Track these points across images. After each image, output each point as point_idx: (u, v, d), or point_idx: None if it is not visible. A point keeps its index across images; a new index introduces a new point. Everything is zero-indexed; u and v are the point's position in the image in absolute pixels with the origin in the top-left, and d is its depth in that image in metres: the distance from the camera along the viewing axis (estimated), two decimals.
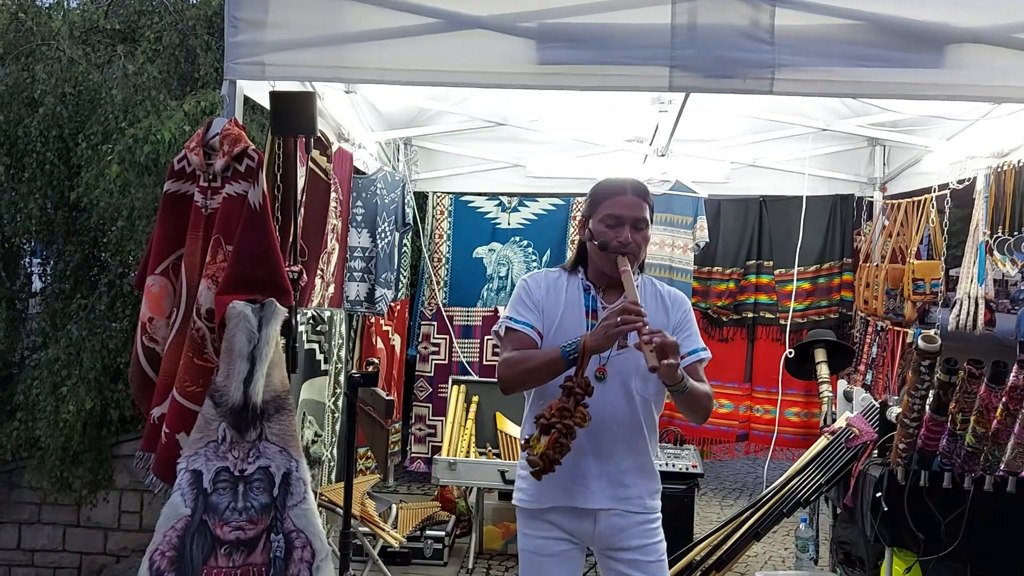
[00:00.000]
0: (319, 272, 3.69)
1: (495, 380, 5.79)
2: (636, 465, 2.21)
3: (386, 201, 4.73)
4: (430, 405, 5.81)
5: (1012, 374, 2.82)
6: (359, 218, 4.61)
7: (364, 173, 4.69)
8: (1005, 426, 2.88)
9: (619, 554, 2.21)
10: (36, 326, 6.44)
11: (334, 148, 3.84)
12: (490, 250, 5.85)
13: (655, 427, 2.27)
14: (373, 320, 5.18)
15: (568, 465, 2.06)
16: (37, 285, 6.90)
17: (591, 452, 2.13)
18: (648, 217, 2.23)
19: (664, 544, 2.26)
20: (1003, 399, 2.84)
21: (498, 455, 4.73)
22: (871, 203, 5.62)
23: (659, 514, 2.26)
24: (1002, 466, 2.96)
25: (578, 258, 2.33)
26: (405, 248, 5.51)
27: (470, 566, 4.47)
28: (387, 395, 2.98)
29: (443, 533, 4.55)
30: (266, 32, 2.68)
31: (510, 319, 2.23)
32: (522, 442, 2.08)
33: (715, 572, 3.79)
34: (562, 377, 2.06)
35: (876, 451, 3.40)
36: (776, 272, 5.78)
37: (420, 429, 5.82)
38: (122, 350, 5.69)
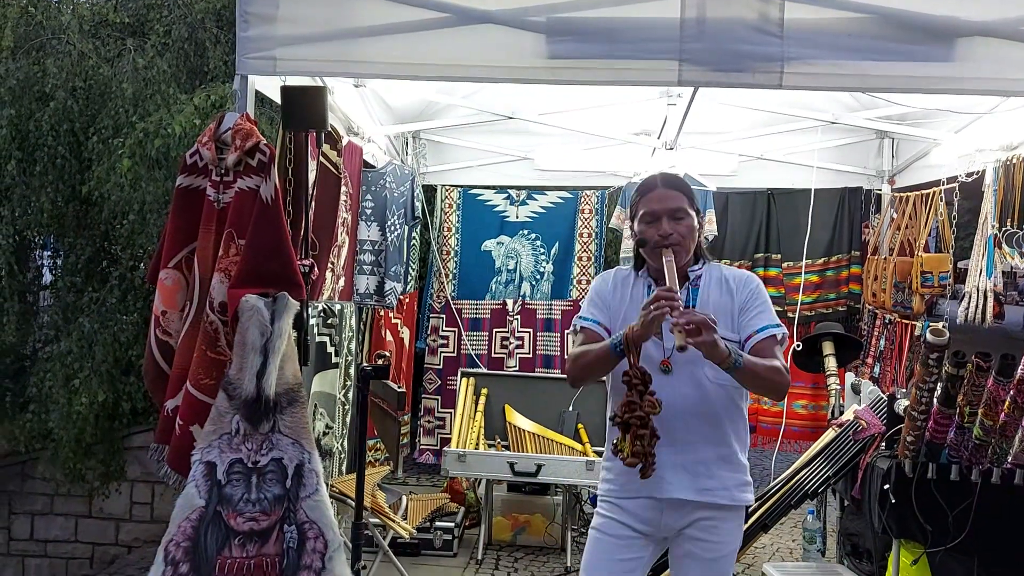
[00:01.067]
0: (330, 265, 3.71)
1: (504, 373, 5.82)
2: (717, 456, 2.19)
3: (395, 194, 4.75)
4: (439, 397, 5.84)
5: (1020, 367, 2.83)
6: (368, 211, 4.63)
7: (373, 167, 4.70)
8: (1013, 419, 2.89)
9: (690, 531, 2.20)
10: (48, 319, 6.49)
11: (344, 142, 3.86)
12: (498, 243, 5.86)
13: (739, 415, 2.24)
14: (382, 313, 5.21)
15: (612, 454, 2.09)
16: (48, 278, 6.95)
17: (667, 443, 2.09)
18: (686, 206, 2.21)
19: (739, 540, 2.24)
20: (1011, 392, 2.85)
21: (507, 447, 4.75)
22: (879, 196, 5.60)
23: (743, 510, 2.25)
24: (1010, 458, 2.97)
25: (637, 259, 2.33)
26: (414, 241, 5.53)
27: (479, 557, 4.50)
28: (398, 387, 3.01)
29: (453, 524, 4.58)
30: (277, 27, 2.69)
31: (581, 317, 2.30)
32: (611, 448, 2.11)
33: None
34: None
35: (884, 443, 3.41)
36: (784, 265, 5.78)
37: (429, 421, 5.85)
38: (134, 343, 5.73)
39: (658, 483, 2.14)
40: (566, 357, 2.35)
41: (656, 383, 2.05)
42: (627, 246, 5.12)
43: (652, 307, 1.99)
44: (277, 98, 2.88)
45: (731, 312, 2.20)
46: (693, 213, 2.23)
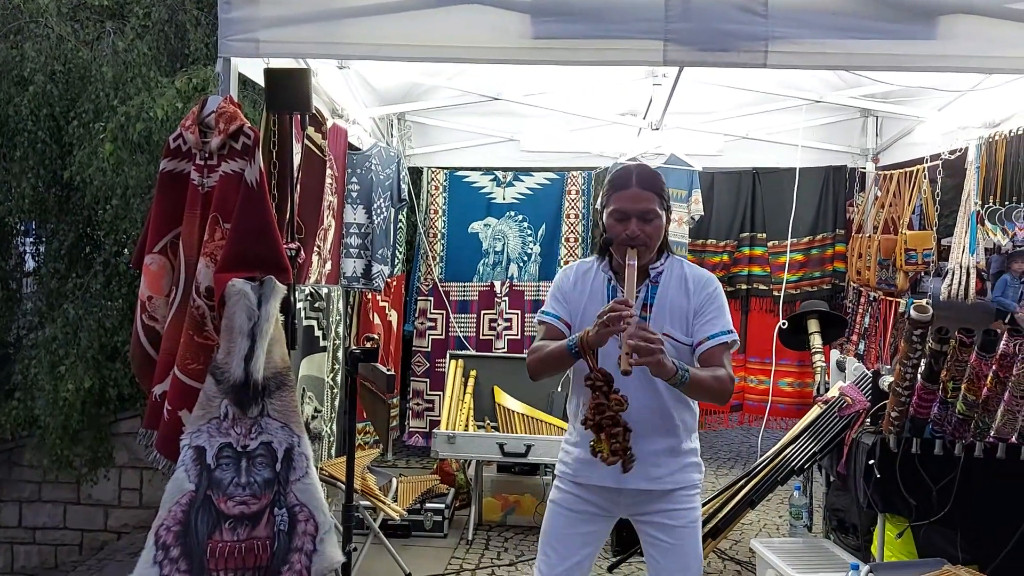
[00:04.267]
0: (316, 249, 3.70)
1: (492, 355, 5.83)
2: (667, 448, 2.26)
3: (381, 177, 4.73)
4: (427, 380, 5.85)
5: (1002, 342, 2.86)
6: (354, 194, 4.61)
7: (359, 149, 4.67)
8: (995, 393, 2.93)
9: (646, 517, 2.29)
10: (32, 306, 6.45)
11: (328, 124, 3.84)
12: (485, 225, 5.85)
13: (689, 408, 2.30)
14: (370, 296, 5.20)
15: (591, 455, 2.14)
16: (31, 265, 6.89)
17: None
18: (657, 207, 2.23)
19: (698, 512, 2.31)
20: (993, 367, 2.89)
21: (496, 428, 4.77)
22: (863, 174, 5.63)
23: (694, 486, 2.31)
24: (992, 432, 3.01)
25: (604, 246, 2.35)
26: (401, 224, 5.51)
27: (470, 537, 4.53)
28: (387, 370, 3.01)
29: (443, 506, 4.61)
30: (259, 8, 2.67)
31: (543, 312, 2.35)
32: (590, 449, 2.14)
33: (711, 539, 3.85)
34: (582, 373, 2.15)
35: (869, 419, 3.44)
36: (769, 244, 5.80)
37: (418, 404, 5.86)
38: (119, 329, 5.70)
39: (613, 473, 2.20)
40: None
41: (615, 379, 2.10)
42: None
43: (605, 319, 2.04)
44: (260, 80, 2.85)
45: (686, 314, 2.24)
46: (663, 213, 2.25)
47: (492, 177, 5.90)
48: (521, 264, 5.84)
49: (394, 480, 4.42)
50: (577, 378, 2.32)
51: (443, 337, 5.84)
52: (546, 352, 2.23)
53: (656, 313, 2.25)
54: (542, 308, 2.38)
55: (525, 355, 5.51)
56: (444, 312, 5.83)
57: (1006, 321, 3.71)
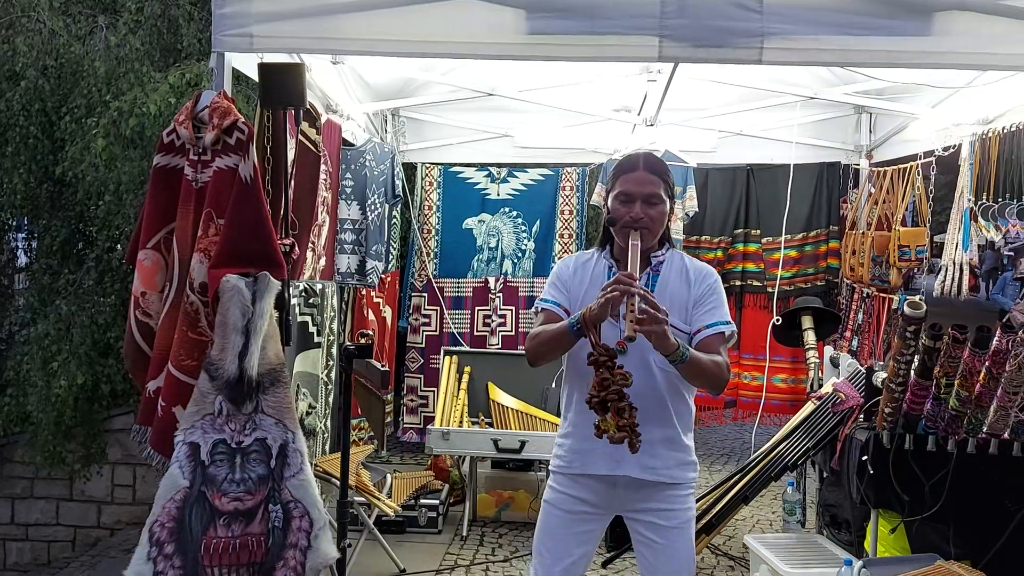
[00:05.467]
0: (310, 245, 3.69)
1: (487, 351, 5.82)
2: (664, 437, 2.24)
3: (375, 173, 4.72)
4: (422, 376, 5.85)
5: (995, 339, 2.87)
6: (348, 190, 4.61)
7: (353, 145, 4.67)
8: (988, 389, 2.94)
9: (639, 515, 2.28)
10: (24, 302, 6.42)
11: (322, 120, 3.83)
12: (480, 221, 5.85)
13: (683, 400, 2.29)
14: (364, 292, 5.20)
15: (596, 436, 2.11)
16: (23, 261, 6.86)
17: None
18: (662, 192, 2.23)
19: (692, 512, 2.30)
20: (986, 363, 2.89)
21: (491, 424, 4.78)
22: (857, 171, 5.64)
23: (689, 486, 2.30)
24: (985, 428, 3.02)
25: (604, 236, 2.36)
26: (395, 220, 5.51)
27: (464, 533, 4.53)
28: (381, 366, 3.01)
29: (437, 502, 4.61)
30: (253, 3, 2.66)
31: (542, 299, 2.34)
32: (595, 430, 2.09)
33: (705, 535, 3.86)
34: (583, 356, 2.10)
35: (862, 416, 3.46)
36: (763, 240, 5.81)
37: (412, 400, 5.86)
38: (112, 325, 5.68)
39: (607, 461, 2.21)
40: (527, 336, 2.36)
41: None
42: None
43: (609, 290, 2.03)
44: (254, 76, 2.84)
45: (686, 303, 2.24)
46: (667, 199, 2.26)
47: (486, 173, 5.89)
48: (515, 260, 5.84)
49: (388, 476, 4.41)
50: (570, 368, 2.31)
51: (437, 333, 5.84)
52: (546, 335, 2.21)
53: (657, 301, 2.24)
54: (540, 296, 2.36)
55: (520, 351, 5.56)
56: (438, 308, 5.82)
57: (1004, 320, 3.72)
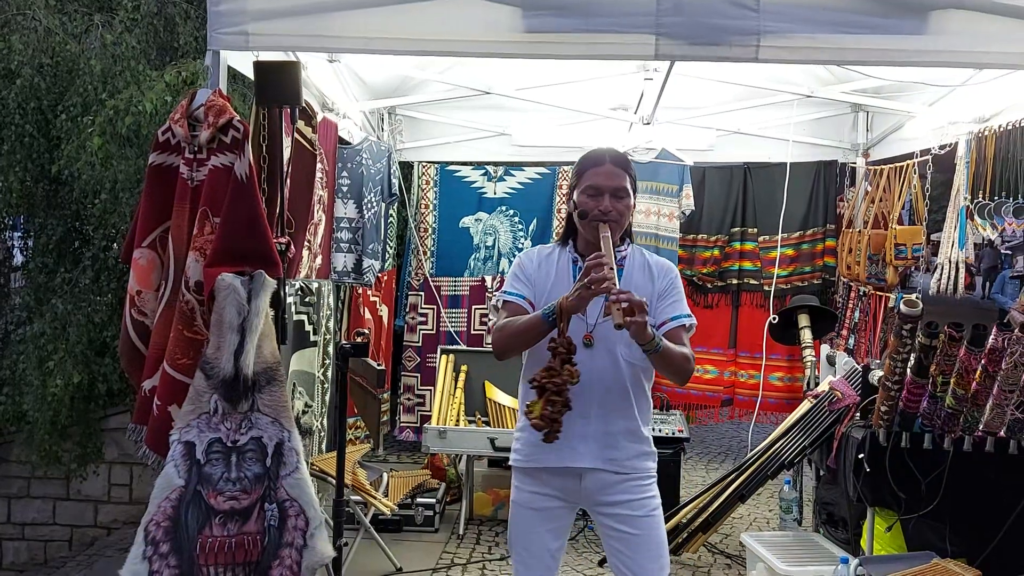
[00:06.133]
0: (306, 243, 3.69)
1: (483, 349, 5.81)
2: (625, 429, 2.27)
3: (372, 171, 4.72)
4: (418, 375, 5.84)
5: (991, 337, 2.88)
6: (345, 189, 4.60)
7: (349, 143, 4.66)
8: (984, 387, 2.94)
9: (607, 508, 2.29)
10: (20, 301, 6.40)
11: (319, 118, 3.82)
12: (476, 220, 5.85)
13: (645, 393, 2.32)
14: (360, 291, 5.19)
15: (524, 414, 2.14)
16: (19, 259, 6.85)
17: (579, 414, 2.17)
18: (628, 186, 2.27)
19: (658, 500, 2.32)
20: (982, 361, 2.90)
21: (487, 423, 4.77)
22: (854, 169, 5.65)
23: (650, 475, 2.32)
24: (981, 426, 3.03)
25: (568, 231, 2.39)
26: (391, 218, 5.50)
27: (461, 532, 4.53)
28: (378, 365, 3.00)
29: (434, 500, 4.61)
30: (249, 1, 2.65)
31: (504, 292, 2.34)
32: (524, 409, 2.14)
33: (702, 534, 3.87)
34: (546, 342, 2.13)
35: (858, 414, 3.46)
36: (760, 239, 5.82)
37: (409, 399, 5.86)
38: (108, 324, 5.67)
39: (569, 453, 2.23)
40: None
41: (576, 355, 2.10)
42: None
43: (589, 281, 2.03)
44: (250, 74, 2.84)
45: (649, 297, 2.25)
46: (632, 194, 2.29)
47: (483, 172, 5.88)
48: (512, 259, 5.83)
49: (385, 475, 4.41)
50: (530, 362, 2.31)
51: (434, 332, 5.83)
52: (516, 326, 2.21)
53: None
54: (502, 289, 2.36)
55: None
56: (435, 307, 5.82)
57: (1003, 320, 3.72)
